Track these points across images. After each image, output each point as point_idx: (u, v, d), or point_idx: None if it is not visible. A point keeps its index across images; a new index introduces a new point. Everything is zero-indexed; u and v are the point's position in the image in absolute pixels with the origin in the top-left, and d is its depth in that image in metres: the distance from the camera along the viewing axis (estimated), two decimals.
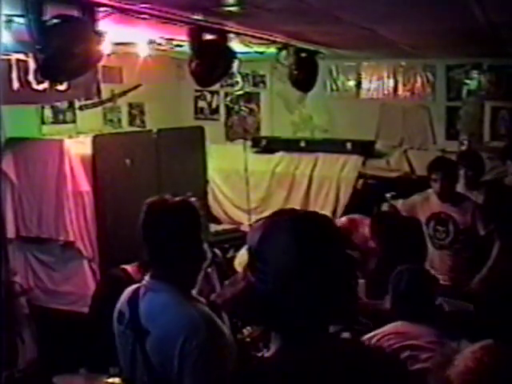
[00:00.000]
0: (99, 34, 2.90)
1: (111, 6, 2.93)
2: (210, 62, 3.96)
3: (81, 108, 6.15)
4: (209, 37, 3.83)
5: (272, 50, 5.11)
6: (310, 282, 1.40)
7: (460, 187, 4.87)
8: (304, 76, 5.36)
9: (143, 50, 4.56)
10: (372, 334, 2.90)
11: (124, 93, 6.67)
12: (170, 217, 2.32)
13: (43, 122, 5.96)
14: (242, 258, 4.15)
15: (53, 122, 6.05)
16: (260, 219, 1.53)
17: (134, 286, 2.45)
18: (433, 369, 1.44)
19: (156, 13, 3.23)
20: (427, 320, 2.96)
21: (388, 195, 4.91)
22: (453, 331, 2.85)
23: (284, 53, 5.11)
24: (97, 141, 5.34)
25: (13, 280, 5.08)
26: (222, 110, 7.94)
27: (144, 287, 2.37)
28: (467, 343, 1.43)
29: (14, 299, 4.98)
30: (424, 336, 2.85)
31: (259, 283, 1.43)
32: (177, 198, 2.37)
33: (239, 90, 7.14)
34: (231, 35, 4.04)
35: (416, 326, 2.93)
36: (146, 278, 2.39)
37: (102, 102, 6.29)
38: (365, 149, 6.76)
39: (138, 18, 3.19)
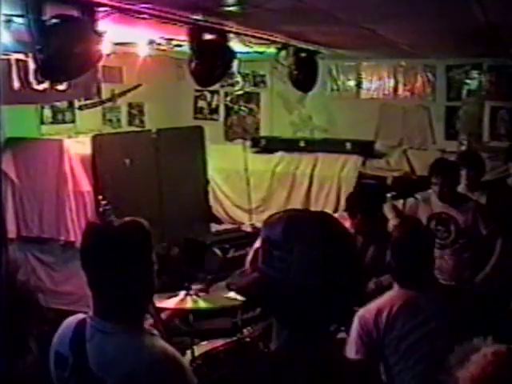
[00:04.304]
0: (99, 34, 2.90)
1: (111, 6, 2.93)
2: (210, 61, 3.96)
3: (80, 108, 6.15)
4: (208, 37, 3.83)
5: (272, 50, 5.11)
6: (331, 276, 1.40)
7: (461, 188, 4.86)
8: (304, 76, 5.35)
9: (143, 50, 4.56)
10: None
11: (124, 93, 6.66)
12: (115, 240, 1.97)
13: (42, 122, 5.96)
14: None
15: (52, 122, 6.05)
16: (274, 214, 1.52)
17: (70, 322, 2.12)
18: (450, 363, 1.42)
19: (156, 13, 3.24)
20: None
21: (388, 195, 4.91)
22: None
23: (284, 53, 5.10)
24: (96, 141, 5.34)
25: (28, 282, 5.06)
26: (222, 110, 7.95)
27: (90, 327, 2.02)
28: (491, 341, 1.41)
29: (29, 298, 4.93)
30: None
31: (276, 272, 1.42)
32: (124, 219, 2.03)
33: (239, 90, 7.14)
34: (231, 35, 4.04)
35: None
36: (90, 313, 2.05)
37: (101, 102, 6.29)
38: (364, 149, 6.77)
39: (138, 18, 3.20)
